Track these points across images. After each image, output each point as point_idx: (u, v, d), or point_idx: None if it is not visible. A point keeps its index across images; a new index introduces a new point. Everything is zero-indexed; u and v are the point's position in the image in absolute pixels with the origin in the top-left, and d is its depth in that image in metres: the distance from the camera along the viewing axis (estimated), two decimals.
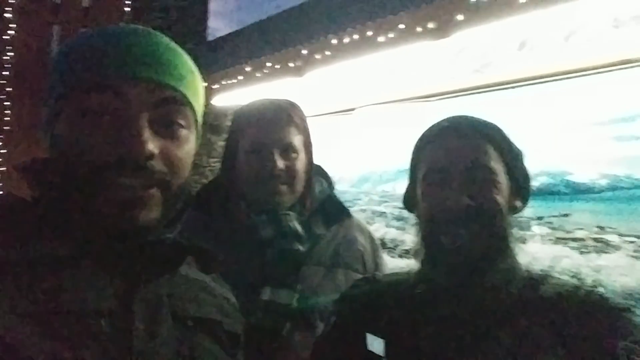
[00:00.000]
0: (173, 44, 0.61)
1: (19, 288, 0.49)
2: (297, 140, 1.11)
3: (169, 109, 0.58)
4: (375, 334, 0.73)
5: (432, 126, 0.84)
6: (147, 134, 0.55)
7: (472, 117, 0.82)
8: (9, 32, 4.69)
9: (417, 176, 0.82)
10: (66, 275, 0.52)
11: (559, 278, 0.78)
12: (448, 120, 0.83)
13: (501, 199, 0.75)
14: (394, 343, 0.72)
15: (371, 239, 1.23)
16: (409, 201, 0.87)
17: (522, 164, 0.82)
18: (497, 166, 0.76)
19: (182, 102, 0.59)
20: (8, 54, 4.69)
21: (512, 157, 0.79)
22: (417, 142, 0.85)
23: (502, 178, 0.76)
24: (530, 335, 0.66)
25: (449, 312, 0.71)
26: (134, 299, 0.55)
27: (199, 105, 0.63)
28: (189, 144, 0.61)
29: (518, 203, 0.80)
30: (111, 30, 0.60)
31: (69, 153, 0.56)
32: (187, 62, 0.62)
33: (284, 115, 1.11)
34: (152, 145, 0.55)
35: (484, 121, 0.82)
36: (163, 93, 0.57)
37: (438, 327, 0.69)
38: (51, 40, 4.76)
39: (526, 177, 0.82)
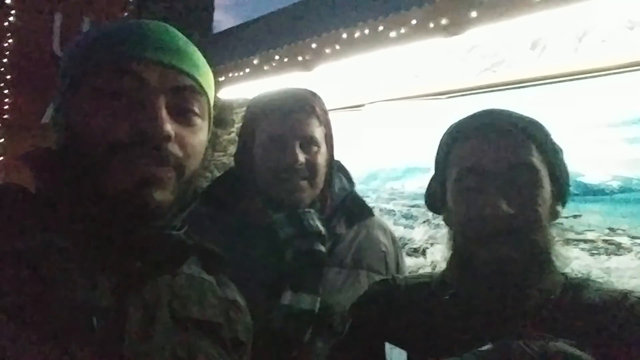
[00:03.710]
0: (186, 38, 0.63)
1: (3, 280, 0.47)
2: (318, 132, 1.04)
3: (185, 96, 0.58)
4: (391, 339, 0.69)
5: (463, 120, 0.77)
6: (165, 115, 0.55)
7: (509, 111, 0.76)
8: (9, 19, 4.62)
9: (446, 176, 0.76)
10: (59, 268, 0.50)
11: (600, 282, 0.74)
12: (482, 113, 0.76)
13: (544, 205, 0.69)
14: (411, 349, 0.68)
15: (393, 239, 1.19)
16: (435, 203, 0.81)
17: (563, 162, 0.76)
18: (541, 166, 0.70)
19: (197, 91, 0.60)
20: (8, 41, 4.62)
21: (554, 156, 0.73)
22: (446, 138, 0.78)
23: (545, 181, 0.71)
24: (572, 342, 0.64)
25: (479, 325, 0.66)
26: (129, 297, 0.53)
27: (212, 95, 0.64)
28: (202, 133, 0.61)
29: (559, 208, 0.74)
30: (129, 22, 0.61)
31: (84, 134, 0.54)
32: (201, 55, 0.63)
33: (305, 105, 1.03)
34: (170, 127, 0.55)
35: (522, 115, 0.75)
36: (181, 80, 0.58)
37: (464, 336, 0.64)
38: (52, 29, 4.70)
39: (567, 178, 0.76)
